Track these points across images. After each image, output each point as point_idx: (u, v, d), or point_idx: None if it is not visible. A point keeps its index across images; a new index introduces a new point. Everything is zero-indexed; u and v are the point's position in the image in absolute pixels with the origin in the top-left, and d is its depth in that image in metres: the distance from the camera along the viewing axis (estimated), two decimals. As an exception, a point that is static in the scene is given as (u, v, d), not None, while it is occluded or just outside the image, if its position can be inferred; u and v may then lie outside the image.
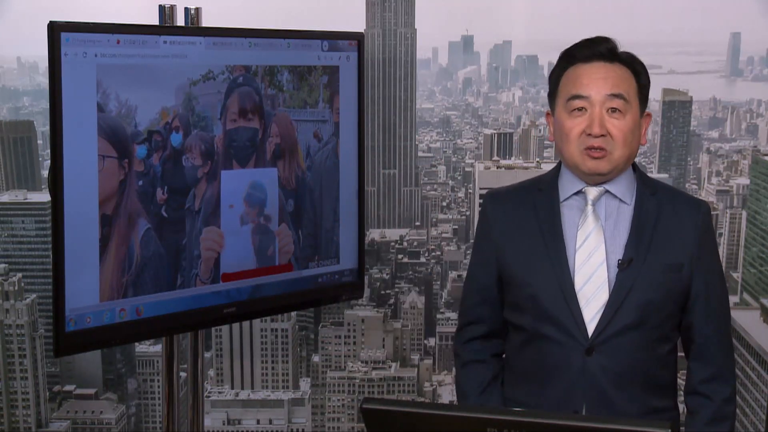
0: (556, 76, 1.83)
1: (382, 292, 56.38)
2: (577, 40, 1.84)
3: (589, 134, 1.75)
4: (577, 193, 1.83)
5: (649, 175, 1.90)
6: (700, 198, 1.90)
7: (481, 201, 1.96)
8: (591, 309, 1.76)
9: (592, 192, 1.81)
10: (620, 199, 1.81)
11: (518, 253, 1.84)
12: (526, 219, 1.85)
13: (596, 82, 1.76)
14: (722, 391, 1.80)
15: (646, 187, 1.83)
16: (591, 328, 1.76)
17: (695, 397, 1.81)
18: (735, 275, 57.18)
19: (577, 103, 1.77)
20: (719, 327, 1.81)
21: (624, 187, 1.82)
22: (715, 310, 1.81)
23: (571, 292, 1.77)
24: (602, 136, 1.75)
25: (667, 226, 1.79)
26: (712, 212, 1.91)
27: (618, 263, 1.77)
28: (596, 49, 1.79)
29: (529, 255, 1.82)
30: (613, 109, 1.75)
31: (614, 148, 1.76)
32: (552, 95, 1.84)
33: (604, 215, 1.81)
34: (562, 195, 1.84)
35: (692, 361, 1.83)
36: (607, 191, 1.81)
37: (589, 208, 1.81)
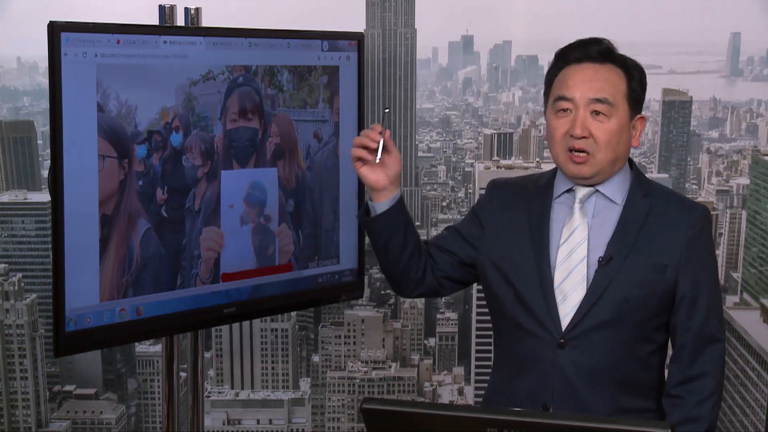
0: (550, 77, 1.85)
1: (382, 292, 56.35)
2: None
3: (572, 135, 1.77)
4: (568, 191, 1.84)
5: (647, 176, 1.89)
6: (699, 202, 1.88)
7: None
8: (567, 304, 1.78)
9: (582, 190, 1.83)
10: (610, 199, 1.82)
11: (504, 245, 1.86)
12: (518, 213, 1.87)
13: (582, 84, 1.77)
14: (698, 392, 1.76)
15: (639, 187, 1.83)
16: (566, 322, 1.77)
17: (669, 399, 1.78)
18: (735, 275, 57.16)
19: (562, 104, 1.78)
20: (702, 332, 1.78)
21: (615, 188, 1.82)
22: (700, 314, 1.77)
23: (549, 286, 1.79)
24: (584, 138, 1.76)
25: (655, 226, 1.79)
26: (711, 217, 1.86)
27: (598, 260, 1.77)
28: (587, 51, 1.80)
29: (514, 247, 1.84)
30: (597, 112, 1.76)
31: (597, 150, 1.76)
32: (545, 95, 1.86)
33: (591, 213, 1.82)
34: (556, 192, 1.86)
35: (671, 363, 1.81)
36: (597, 191, 1.82)
37: (577, 205, 1.82)
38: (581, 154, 1.77)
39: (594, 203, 1.82)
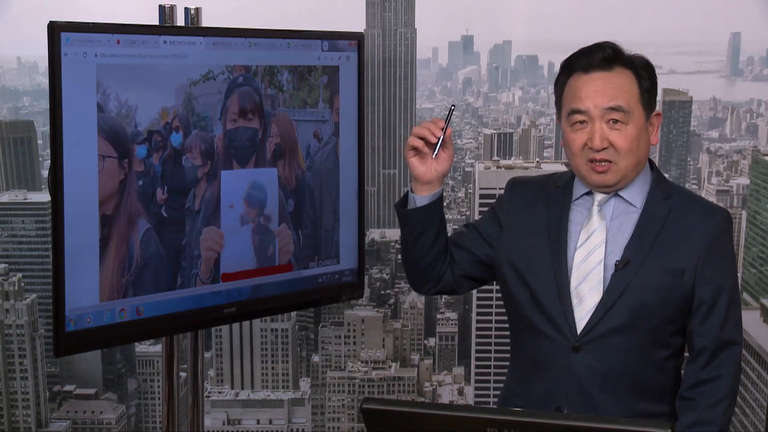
0: (560, 85, 1.82)
1: (382, 292, 56.38)
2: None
3: (591, 147, 1.75)
4: (588, 193, 1.83)
5: (666, 177, 1.87)
6: (719, 206, 1.85)
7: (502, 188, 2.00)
8: (583, 307, 1.76)
9: (600, 194, 1.81)
10: (629, 202, 1.80)
11: (521, 245, 1.85)
12: (537, 213, 1.86)
13: (594, 95, 1.74)
14: (711, 395, 1.74)
15: (660, 190, 1.81)
16: (581, 326, 1.76)
17: (682, 402, 1.77)
18: (735, 275, 57.04)
19: (577, 117, 1.76)
20: (719, 336, 1.76)
21: (635, 191, 1.80)
22: (718, 319, 1.76)
23: (565, 289, 1.77)
24: (605, 149, 1.74)
25: (674, 230, 1.77)
26: (731, 221, 1.83)
27: (615, 264, 1.76)
28: (593, 59, 1.77)
29: (532, 248, 1.83)
30: (614, 120, 1.74)
31: (619, 158, 1.75)
32: (557, 105, 1.85)
33: (610, 216, 1.80)
34: (575, 195, 1.85)
35: (687, 366, 1.80)
36: (616, 194, 1.81)
37: (595, 208, 1.81)
38: (603, 163, 1.75)
39: (613, 206, 1.81)
